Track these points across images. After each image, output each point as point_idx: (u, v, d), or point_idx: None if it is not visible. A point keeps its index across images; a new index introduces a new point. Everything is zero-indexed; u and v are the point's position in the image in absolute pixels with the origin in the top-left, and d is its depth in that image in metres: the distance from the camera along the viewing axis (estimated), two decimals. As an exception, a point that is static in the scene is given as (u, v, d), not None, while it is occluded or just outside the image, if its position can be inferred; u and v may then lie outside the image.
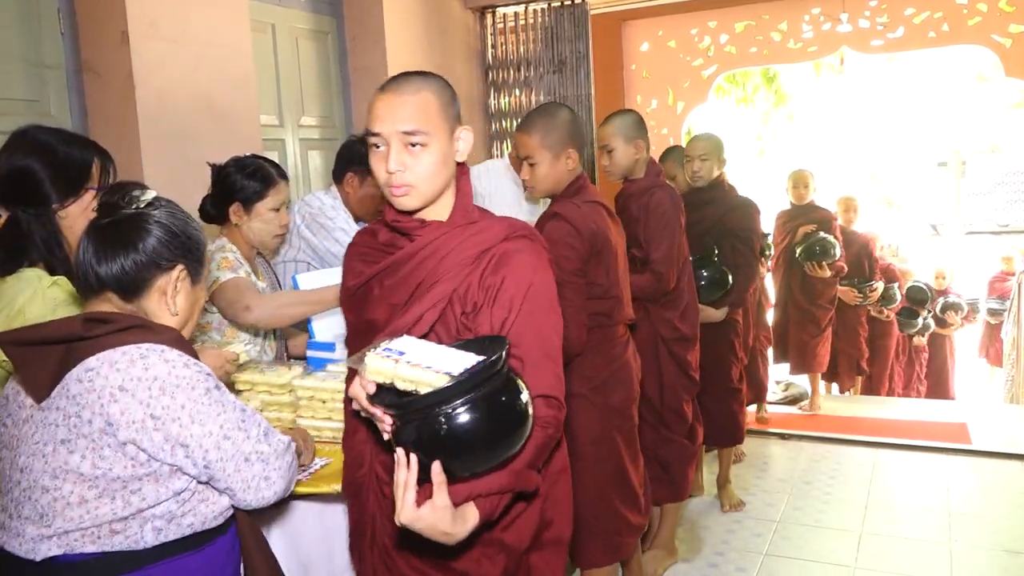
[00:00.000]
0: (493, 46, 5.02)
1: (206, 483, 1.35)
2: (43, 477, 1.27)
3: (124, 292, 1.37)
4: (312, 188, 3.92)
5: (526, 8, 4.90)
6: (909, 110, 15.05)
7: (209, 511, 1.36)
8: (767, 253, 4.42)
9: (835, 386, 5.98)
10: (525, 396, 1.24)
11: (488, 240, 1.45)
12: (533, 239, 1.49)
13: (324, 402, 2.00)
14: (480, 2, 4.89)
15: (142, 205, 1.39)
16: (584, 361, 2.31)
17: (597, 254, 2.27)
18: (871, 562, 3.18)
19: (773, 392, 5.40)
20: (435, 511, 1.19)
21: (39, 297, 1.64)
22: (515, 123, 4.91)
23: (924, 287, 6.83)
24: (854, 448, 4.52)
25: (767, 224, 4.63)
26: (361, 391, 1.26)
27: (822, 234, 4.85)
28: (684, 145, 4.12)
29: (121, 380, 1.26)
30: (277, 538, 1.70)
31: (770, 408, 5.08)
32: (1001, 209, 17.49)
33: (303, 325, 2.40)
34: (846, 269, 5.17)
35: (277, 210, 2.33)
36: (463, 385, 1.15)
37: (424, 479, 1.19)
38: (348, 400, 1.44)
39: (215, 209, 2.33)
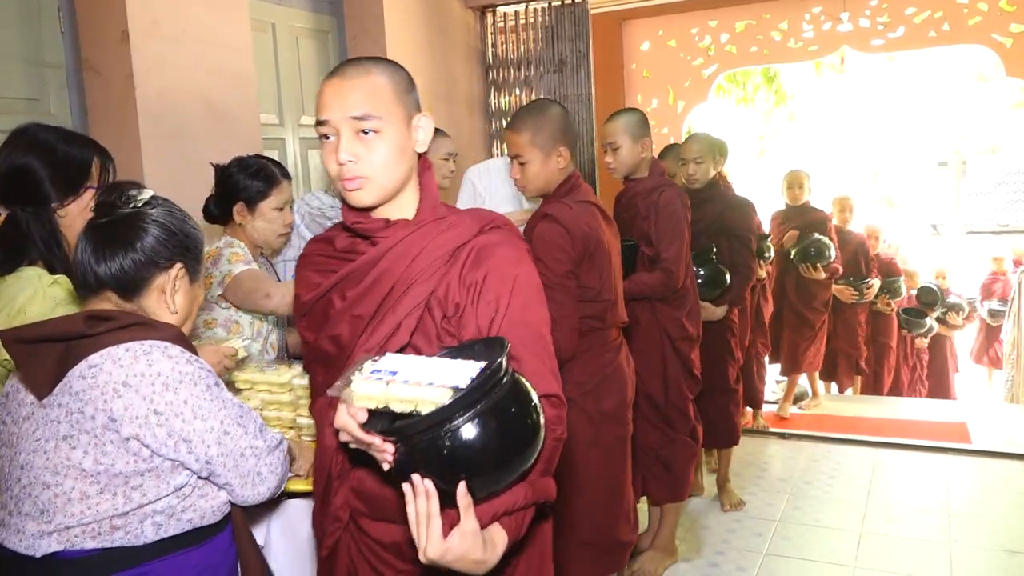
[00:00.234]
0: (493, 45, 5.02)
1: (206, 478, 1.35)
2: (44, 473, 1.27)
3: (123, 291, 1.38)
4: (312, 187, 3.92)
5: (526, 7, 4.90)
6: (909, 110, 15.05)
7: (208, 506, 1.37)
8: (767, 256, 4.39)
9: (835, 386, 5.98)
10: (536, 398, 1.15)
11: (462, 234, 1.33)
12: (508, 229, 1.38)
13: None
14: (480, 1, 4.89)
15: (139, 204, 1.39)
16: (576, 366, 2.26)
17: (589, 256, 2.22)
18: (871, 561, 3.18)
19: (773, 391, 5.40)
20: (465, 538, 1.06)
21: (39, 296, 1.64)
22: (515, 122, 4.91)
23: (935, 288, 6.83)
24: (854, 448, 4.52)
25: (765, 225, 4.63)
26: (351, 420, 1.11)
27: (817, 235, 4.82)
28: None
29: (124, 376, 1.27)
30: (277, 536, 1.70)
31: (769, 408, 5.08)
32: (1001, 209, 17.49)
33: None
34: (841, 271, 5.16)
35: (281, 209, 2.34)
36: (471, 396, 1.04)
37: (441, 506, 1.08)
38: (330, 439, 1.29)
39: (219, 209, 2.34)
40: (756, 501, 3.78)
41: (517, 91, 4.99)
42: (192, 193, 2.38)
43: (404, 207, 1.36)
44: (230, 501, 1.41)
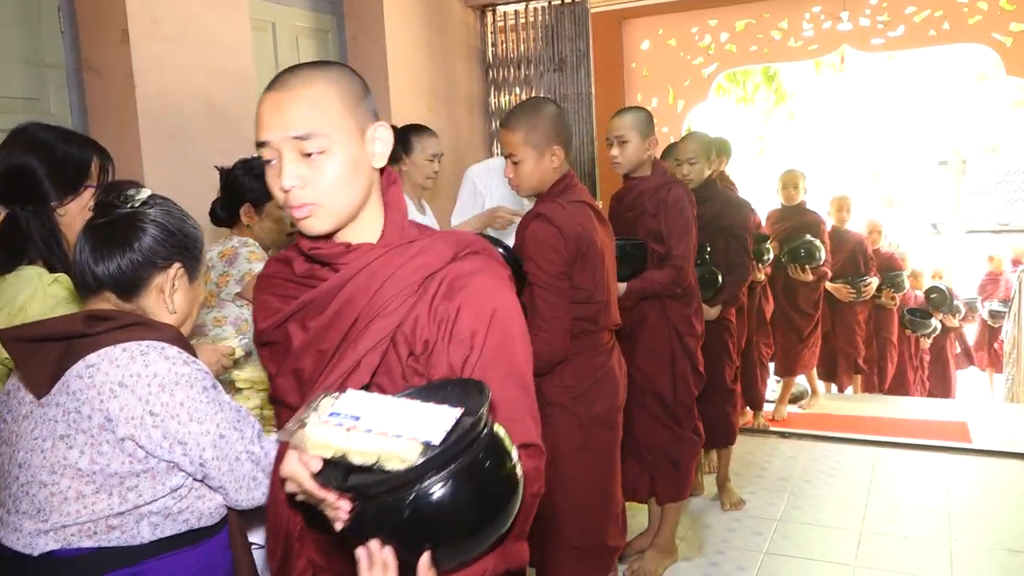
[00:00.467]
0: (493, 44, 5.02)
1: (201, 481, 1.35)
2: (41, 472, 1.27)
3: (121, 291, 1.38)
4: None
5: (526, 6, 4.90)
6: (909, 109, 15.05)
7: (205, 508, 1.36)
8: (765, 257, 4.39)
9: (835, 385, 5.98)
10: (515, 455, 1.01)
11: (434, 261, 1.18)
12: (487, 254, 1.23)
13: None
14: (480, 0, 4.89)
15: (137, 204, 1.39)
16: (566, 368, 2.23)
17: (582, 257, 2.19)
18: (871, 561, 3.18)
19: (772, 391, 5.40)
20: None
21: (40, 294, 1.64)
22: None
23: (945, 290, 6.82)
24: (854, 447, 4.52)
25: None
26: (301, 470, 0.97)
27: (808, 237, 4.79)
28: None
29: (121, 376, 1.27)
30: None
31: (770, 407, 5.08)
32: (1001, 208, 17.49)
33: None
34: (829, 274, 5.14)
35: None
36: (445, 455, 0.91)
37: None
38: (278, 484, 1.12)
39: (225, 212, 2.35)
40: (756, 500, 3.77)
41: (517, 90, 4.99)
42: (192, 193, 2.38)
43: (367, 229, 1.21)
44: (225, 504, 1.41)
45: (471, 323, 1.14)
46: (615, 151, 2.87)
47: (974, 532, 3.41)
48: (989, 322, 7.76)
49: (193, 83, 3.02)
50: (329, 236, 1.19)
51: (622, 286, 2.72)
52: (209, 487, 1.36)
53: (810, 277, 4.84)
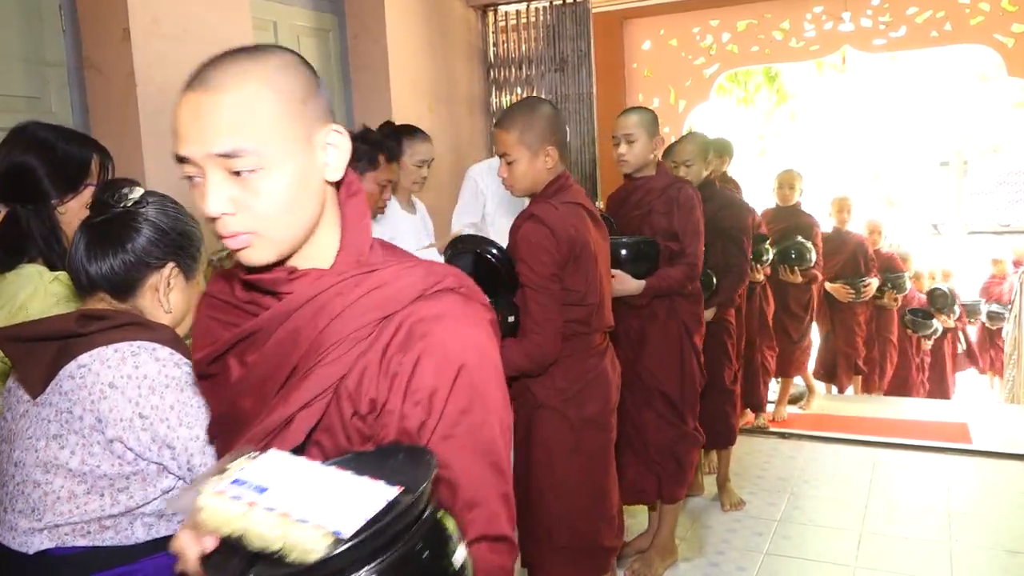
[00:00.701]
0: (494, 44, 5.02)
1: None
2: (35, 471, 1.28)
3: (116, 291, 1.37)
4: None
5: (528, 6, 4.90)
6: (911, 109, 15.05)
7: None
8: (764, 258, 4.38)
9: (834, 386, 5.98)
10: (460, 555, 0.82)
11: (394, 298, 0.95)
12: (465, 292, 1.00)
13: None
14: (482, 0, 4.89)
15: (130, 203, 1.38)
16: (557, 370, 2.22)
17: (575, 259, 2.17)
18: (871, 561, 3.18)
19: (772, 391, 5.39)
20: None
21: (40, 293, 1.64)
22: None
23: (947, 291, 6.81)
24: (854, 448, 4.51)
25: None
26: (190, 548, 0.82)
27: (800, 239, 4.75)
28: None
29: (111, 377, 1.26)
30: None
31: (769, 408, 5.08)
32: (1003, 209, 17.49)
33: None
34: (820, 277, 5.13)
35: None
36: (361, 549, 0.73)
37: None
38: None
39: None
40: (756, 501, 3.77)
41: (518, 90, 4.99)
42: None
43: (319, 251, 0.99)
44: None
45: (430, 380, 0.92)
46: (623, 149, 2.86)
47: (974, 533, 3.41)
48: (987, 324, 7.75)
49: (194, 82, 3.02)
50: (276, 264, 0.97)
51: (640, 283, 2.73)
52: None
53: (799, 279, 4.81)
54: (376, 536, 0.75)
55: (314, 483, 0.80)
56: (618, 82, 5.98)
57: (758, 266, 4.33)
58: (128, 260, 1.35)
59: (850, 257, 5.51)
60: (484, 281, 2.23)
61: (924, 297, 6.97)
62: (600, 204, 4.19)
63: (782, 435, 4.72)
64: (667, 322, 2.88)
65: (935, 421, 5.24)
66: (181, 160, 0.93)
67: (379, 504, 0.76)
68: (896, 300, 6.03)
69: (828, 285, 5.57)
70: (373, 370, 0.93)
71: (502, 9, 4.94)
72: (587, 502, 2.29)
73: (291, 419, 0.94)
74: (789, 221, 4.83)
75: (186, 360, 1.34)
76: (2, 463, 1.34)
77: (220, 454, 1.10)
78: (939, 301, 6.73)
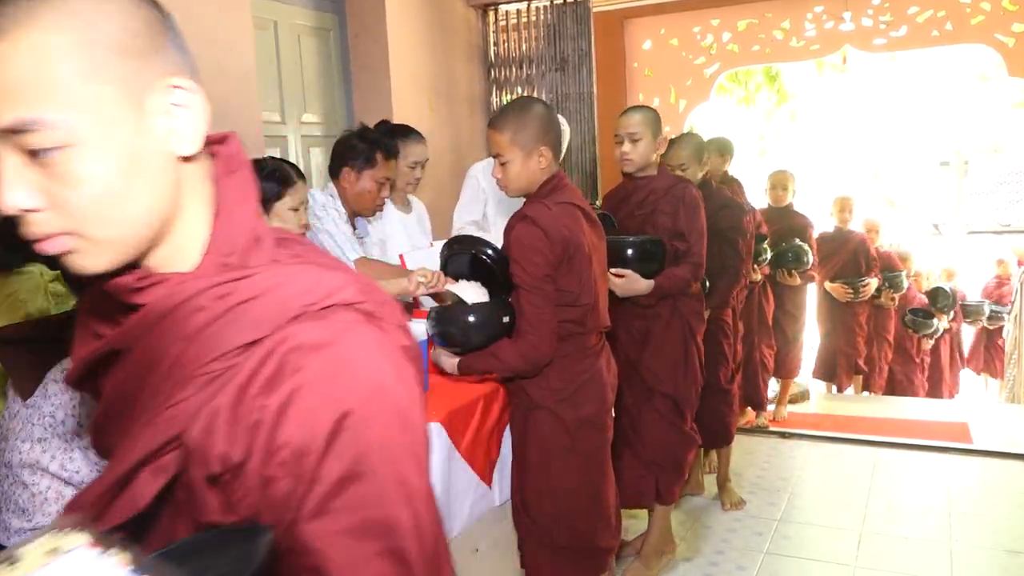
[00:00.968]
0: (495, 44, 5.01)
1: None
2: (23, 473, 1.28)
3: None
4: (314, 185, 3.92)
5: (528, 5, 4.90)
6: (911, 109, 15.04)
7: None
8: (762, 258, 4.37)
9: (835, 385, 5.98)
10: None
11: (264, 317, 0.70)
12: (365, 308, 0.74)
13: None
14: (482, -1, 4.89)
15: None
16: (552, 371, 2.21)
17: (568, 259, 2.16)
18: (871, 561, 3.18)
19: (772, 391, 5.40)
20: None
21: (41, 292, 1.64)
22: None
23: (948, 290, 6.81)
24: (855, 447, 4.51)
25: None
26: None
27: (797, 241, 4.73)
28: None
29: None
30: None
31: (769, 408, 5.08)
32: (1003, 209, 17.48)
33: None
34: (815, 278, 5.13)
35: (296, 209, 2.33)
36: None
37: None
38: None
39: None
40: (757, 500, 3.77)
41: (519, 90, 4.99)
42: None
43: (180, 249, 0.74)
44: None
45: (299, 433, 0.67)
46: (627, 148, 2.83)
47: (974, 532, 3.41)
48: (986, 324, 7.75)
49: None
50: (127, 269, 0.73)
51: (649, 283, 2.74)
52: None
53: (797, 281, 4.81)
54: None
55: None
56: (619, 81, 5.97)
57: (756, 266, 4.33)
58: None
59: (851, 257, 5.51)
60: (481, 281, 2.24)
61: (924, 297, 6.97)
62: (597, 202, 4.19)
63: (782, 435, 4.71)
64: (671, 321, 2.88)
65: (935, 421, 5.24)
66: None
67: None
68: (894, 299, 6.03)
69: (827, 285, 5.57)
70: (226, 416, 0.68)
71: (503, 8, 4.94)
72: (584, 502, 2.28)
73: (128, 478, 0.71)
74: (783, 222, 4.79)
75: None
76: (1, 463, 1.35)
77: None
78: (941, 300, 6.72)
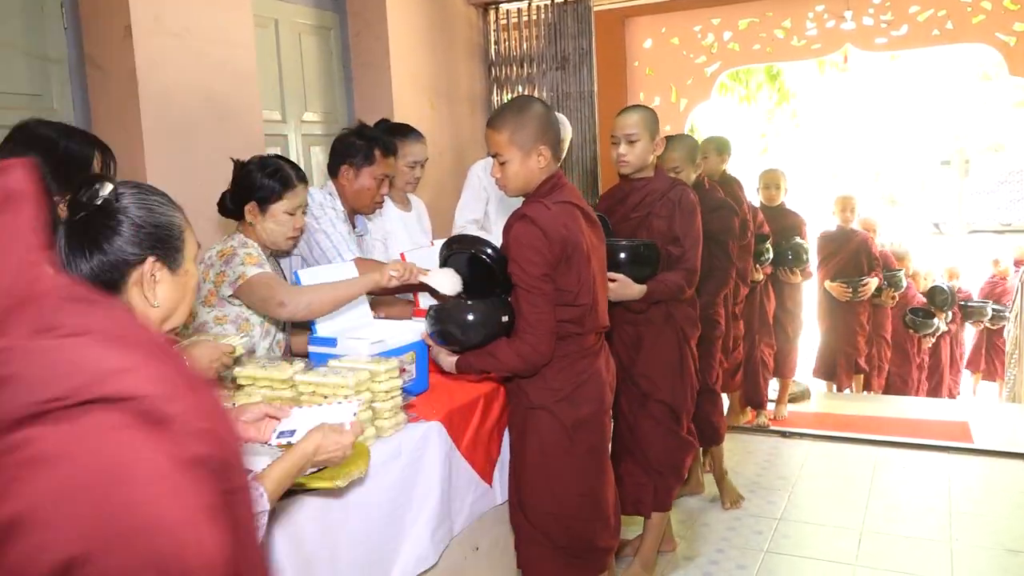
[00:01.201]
0: (496, 42, 5.01)
1: None
2: None
3: (102, 291, 1.36)
4: (315, 184, 3.93)
5: (529, 4, 4.90)
6: (912, 108, 15.05)
7: None
8: (764, 258, 4.36)
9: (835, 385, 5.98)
10: None
11: (11, 401, 0.54)
12: (142, 407, 0.57)
13: (325, 397, 2.01)
14: (483, -2, 4.89)
15: (99, 200, 1.34)
16: (550, 371, 2.20)
17: (567, 259, 2.15)
18: (871, 560, 3.18)
19: (772, 390, 5.40)
20: None
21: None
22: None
23: (946, 289, 6.81)
24: (855, 446, 4.51)
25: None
26: None
27: (797, 239, 4.73)
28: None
29: None
30: (278, 537, 1.70)
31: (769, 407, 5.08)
32: (1004, 208, 17.48)
33: (304, 324, 2.40)
34: (812, 275, 5.13)
35: (292, 213, 2.32)
36: None
37: None
38: None
39: (233, 204, 2.33)
40: (757, 499, 3.78)
41: (520, 88, 4.99)
42: (194, 188, 2.38)
43: None
44: None
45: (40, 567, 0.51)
46: (623, 149, 2.79)
47: (975, 532, 3.41)
48: (988, 325, 7.75)
49: (196, 80, 3.02)
50: None
51: (641, 288, 2.68)
52: None
53: (799, 279, 4.81)
54: None
55: None
56: (619, 80, 5.97)
57: (758, 266, 4.32)
58: (105, 260, 1.32)
59: (853, 256, 5.52)
60: (480, 281, 2.24)
61: (923, 297, 6.97)
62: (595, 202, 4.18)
63: (783, 434, 4.71)
64: (664, 327, 2.85)
65: (936, 420, 5.24)
66: None
67: None
68: (893, 298, 6.03)
69: (827, 284, 5.57)
70: None
71: (503, 7, 4.94)
72: (583, 502, 2.27)
73: None
74: (777, 221, 4.77)
75: None
76: None
77: None
78: (939, 297, 6.72)
